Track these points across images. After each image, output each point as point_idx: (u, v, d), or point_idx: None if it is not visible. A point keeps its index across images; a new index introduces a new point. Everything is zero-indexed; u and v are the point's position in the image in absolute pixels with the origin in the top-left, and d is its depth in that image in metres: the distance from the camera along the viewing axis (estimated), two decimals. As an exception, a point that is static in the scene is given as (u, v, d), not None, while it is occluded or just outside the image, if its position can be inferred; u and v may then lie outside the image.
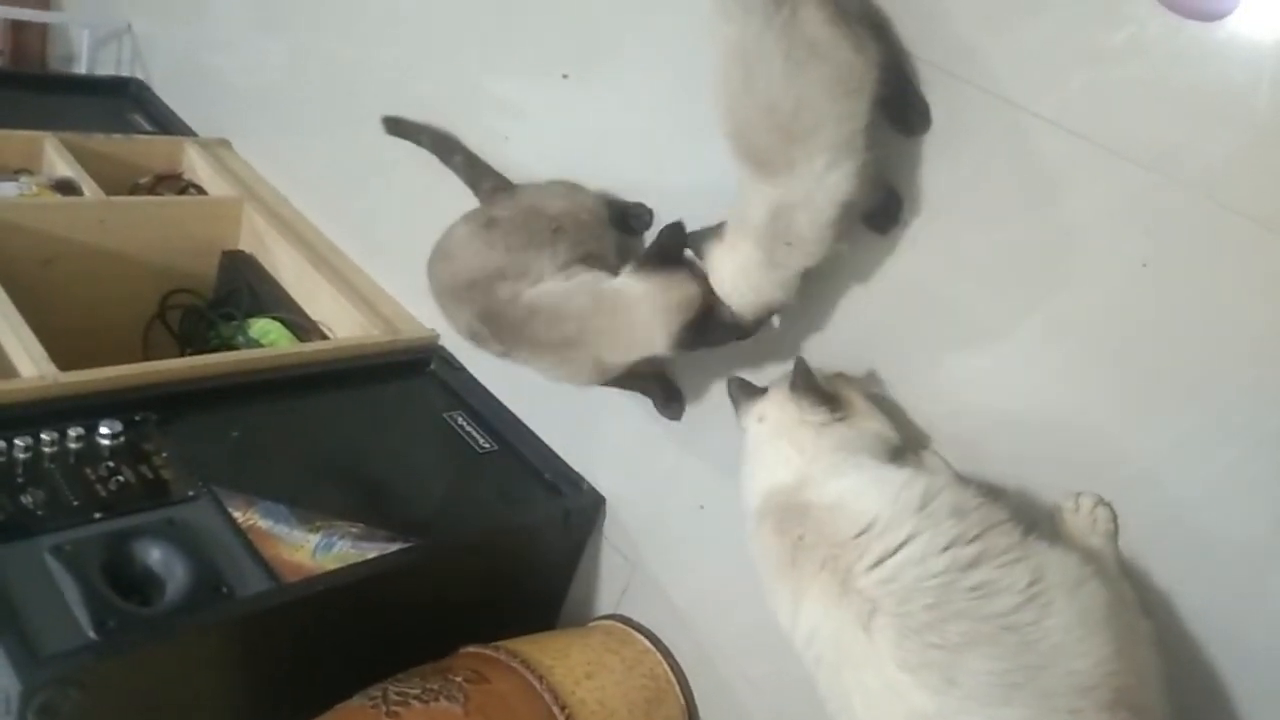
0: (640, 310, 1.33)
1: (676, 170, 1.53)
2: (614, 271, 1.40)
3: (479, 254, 1.45)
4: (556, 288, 1.39)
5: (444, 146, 1.76)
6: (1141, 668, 1.02)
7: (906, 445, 1.24)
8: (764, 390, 1.25)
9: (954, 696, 0.93)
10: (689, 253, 1.33)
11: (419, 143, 1.80)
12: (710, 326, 1.29)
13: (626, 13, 1.59)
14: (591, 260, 1.43)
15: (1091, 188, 1.15)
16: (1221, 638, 1.12)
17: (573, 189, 1.55)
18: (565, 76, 1.68)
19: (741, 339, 1.31)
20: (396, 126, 1.83)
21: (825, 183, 1.12)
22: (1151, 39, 1.07)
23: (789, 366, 1.20)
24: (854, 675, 1.00)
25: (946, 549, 0.99)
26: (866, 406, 1.22)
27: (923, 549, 0.99)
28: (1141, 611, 1.11)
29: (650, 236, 1.54)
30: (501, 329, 1.40)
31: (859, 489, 1.07)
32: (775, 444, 1.18)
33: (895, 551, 1.00)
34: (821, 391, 1.19)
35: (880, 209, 1.25)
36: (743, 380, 1.29)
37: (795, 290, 1.23)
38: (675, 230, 1.33)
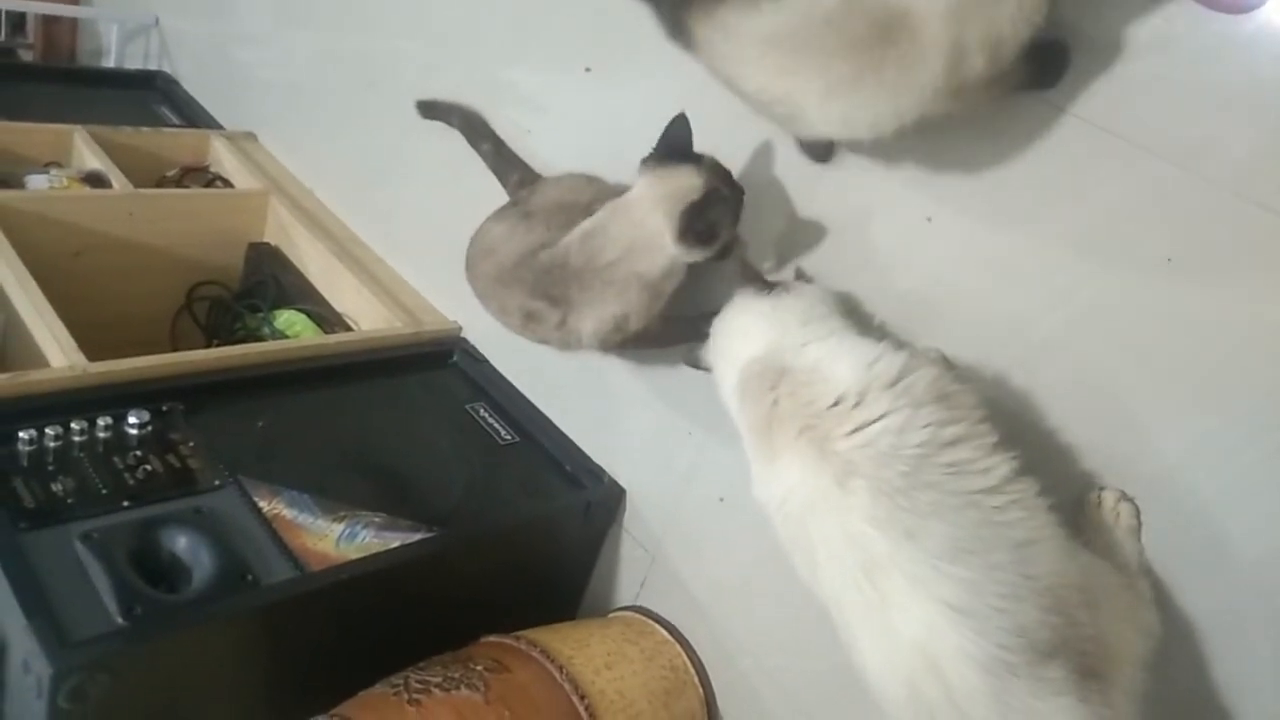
0: (642, 205, 1.32)
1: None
2: None
3: (522, 240, 1.46)
4: (584, 222, 1.38)
5: (474, 131, 1.77)
6: (1121, 642, 1.02)
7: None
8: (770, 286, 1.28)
9: (908, 547, 0.97)
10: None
11: (450, 123, 1.80)
12: (715, 209, 1.29)
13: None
14: None
15: (1117, 182, 1.14)
16: (1235, 641, 1.11)
17: (596, 180, 1.56)
18: (588, 70, 1.68)
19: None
20: (430, 109, 1.84)
21: None
22: (1179, 33, 1.06)
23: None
24: (818, 523, 1.03)
25: (924, 426, 1.02)
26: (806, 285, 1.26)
27: (901, 422, 1.02)
28: (1152, 606, 1.11)
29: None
30: (554, 284, 1.39)
31: (834, 356, 1.10)
32: (742, 316, 1.22)
33: (872, 422, 1.03)
34: (762, 279, 1.24)
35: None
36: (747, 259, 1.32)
37: None
38: (679, 122, 1.32)
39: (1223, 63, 1.05)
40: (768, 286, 1.25)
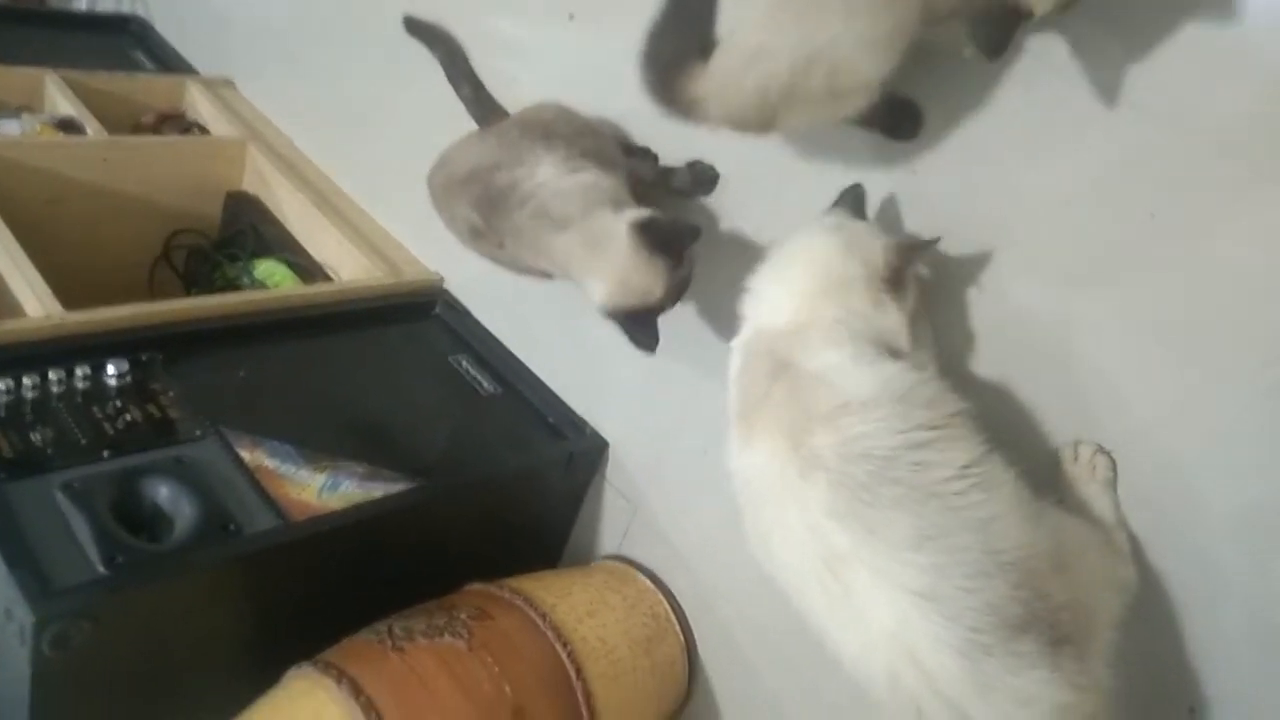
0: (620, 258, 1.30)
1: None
2: (621, 180, 1.39)
3: (475, 152, 1.45)
4: (554, 182, 1.35)
5: (455, 69, 1.73)
6: (1094, 604, 1.03)
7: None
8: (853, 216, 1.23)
9: (870, 542, 0.98)
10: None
11: (432, 52, 1.77)
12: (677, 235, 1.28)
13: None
14: (592, 157, 1.40)
15: (1102, 139, 1.14)
16: (1208, 596, 1.13)
17: (566, 108, 1.54)
18: (571, 17, 1.66)
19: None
20: (416, 28, 1.79)
21: None
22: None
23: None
24: (776, 513, 1.04)
25: (905, 431, 1.02)
26: (912, 304, 1.17)
27: (884, 429, 1.02)
28: (1128, 560, 1.13)
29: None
30: (495, 214, 1.38)
31: (849, 370, 1.07)
32: (804, 273, 1.16)
33: (859, 429, 1.02)
34: (904, 269, 1.14)
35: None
36: (861, 195, 1.25)
37: None
38: (690, 229, 1.31)
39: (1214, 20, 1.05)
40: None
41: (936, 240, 1.18)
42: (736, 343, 1.17)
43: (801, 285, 1.15)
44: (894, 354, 1.11)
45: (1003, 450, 1.05)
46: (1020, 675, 0.95)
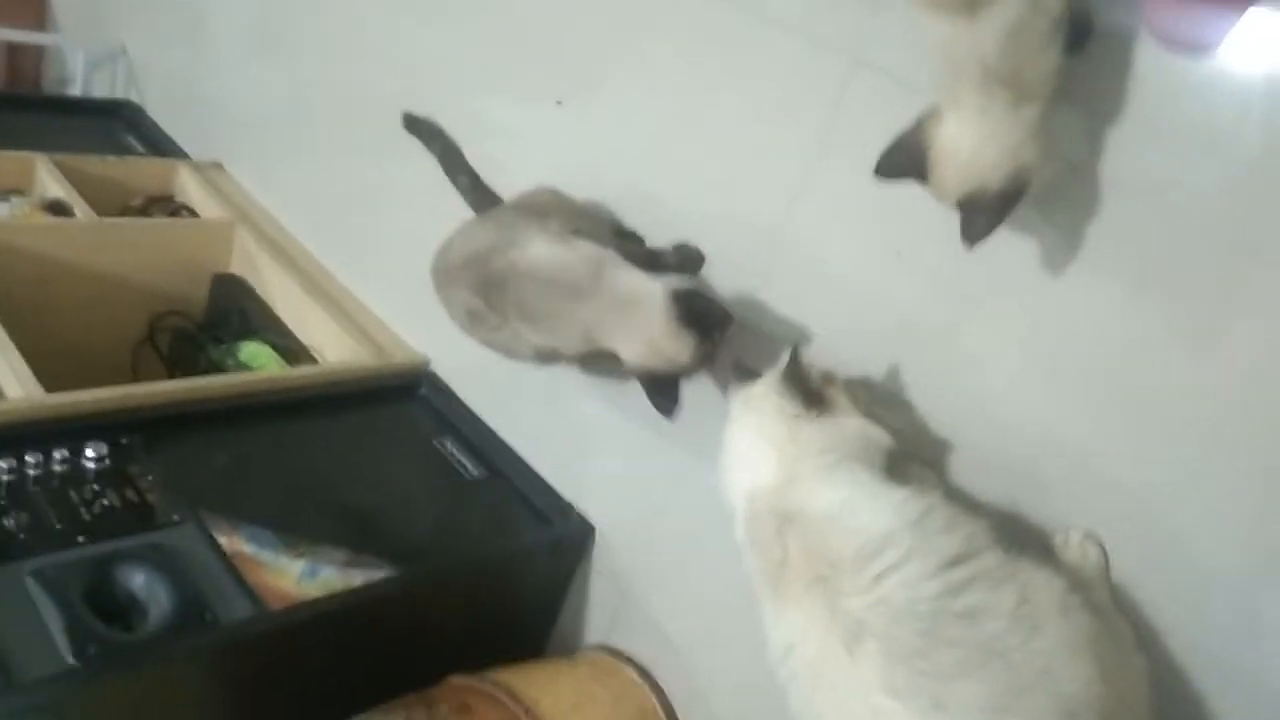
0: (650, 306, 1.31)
1: (669, 195, 1.54)
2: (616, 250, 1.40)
3: (473, 237, 1.48)
4: (555, 254, 1.37)
5: (451, 162, 1.77)
6: (1131, 701, 1.01)
7: (896, 449, 1.20)
8: (758, 374, 1.22)
9: (942, 719, 0.93)
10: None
11: (429, 147, 1.80)
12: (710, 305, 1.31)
13: (617, 40, 1.60)
14: (585, 236, 1.42)
15: (1090, 211, 1.15)
16: (1215, 668, 1.11)
17: (558, 192, 1.58)
18: (559, 103, 1.68)
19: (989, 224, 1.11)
20: (414, 125, 1.83)
21: None
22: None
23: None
24: (831, 698, 0.99)
25: (938, 572, 0.98)
26: (849, 405, 1.18)
27: (916, 571, 0.98)
28: (1136, 647, 1.10)
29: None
30: (494, 295, 1.40)
31: (855, 503, 1.04)
32: (754, 435, 1.16)
33: (889, 573, 0.98)
34: (805, 384, 1.15)
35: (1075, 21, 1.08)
36: (745, 365, 1.26)
37: (1041, 141, 1.05)
38: (725, 314, 1.32)
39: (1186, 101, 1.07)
40: (754, 376, 1.21)
41: (795, 347, 1.18)
42: (738, 530, 1.14)
43: (765, 438, 1.14)
44: (887, 461, 1.11)
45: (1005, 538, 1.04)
46: None
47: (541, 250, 1.37)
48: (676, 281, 1.33)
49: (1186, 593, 1.11)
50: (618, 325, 1.33)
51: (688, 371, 1.32)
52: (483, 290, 1.41)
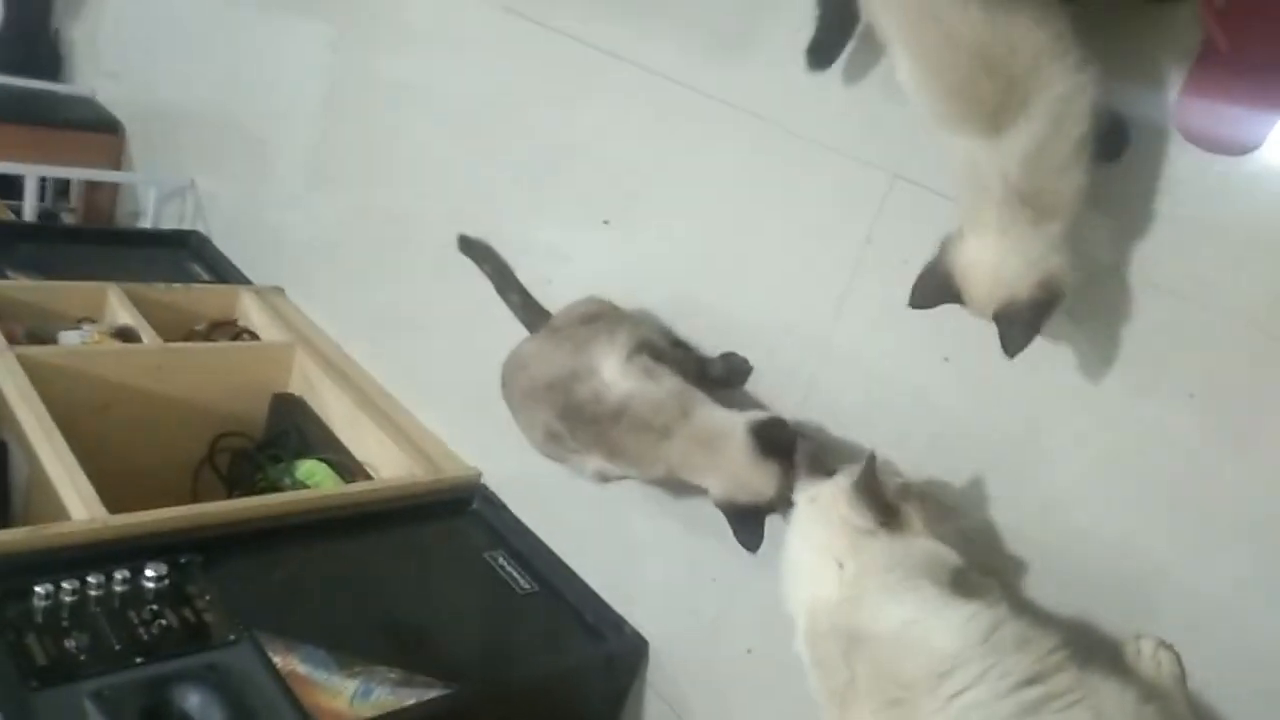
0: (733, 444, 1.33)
1: (716, 309, 1.56)
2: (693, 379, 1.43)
3: (551, 358, 1.50)
4: (644, 392, 1.39)
5: (504, 281, 1.82)
6: None
7: (966, 567, 1.16)
8: (832, 472, 1.21)
9: None
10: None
11: (481, 268, 1.85)
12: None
13: (664, 162, 1.65)
14: (649, 348, 1.45)
15: (1140, 318, 1.15)
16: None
17: (606, 301, 1.62)
18: (606, 222, 1.73)
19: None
20: (469, 246, 1.89)
21: (1063, 108, 1.00)
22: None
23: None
24: None
25: (1012, 693, 0.95)
26: (923, 525, 1.14)
27: (990, 691, 0.95)
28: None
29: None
30: (580, 427, 1.42)
31: (924, 622, 1.02)
32: (817, 545, 1.13)
33: (963, 693, 0.96)
34: (879, 497, 1.12)
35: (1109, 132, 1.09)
36: (817, 451, 1.25)
37: (1067, 252, 1.06)
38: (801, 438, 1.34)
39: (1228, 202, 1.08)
40: (824, 470, 1.20)
41: (872, 454, 1.14)
42: (797, 643, 1.12)
43: (829, 549, 1.11)
44: (955, 578, 1.08)
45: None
46: None
47: (627, 386, 1.40)
48: (755, 414, 1.35)
49: (1265, 697, 1.06)
50: (703, 462, 1.35)
51: (774, 505, 1.32)
52: (566, 416, 1.44)
